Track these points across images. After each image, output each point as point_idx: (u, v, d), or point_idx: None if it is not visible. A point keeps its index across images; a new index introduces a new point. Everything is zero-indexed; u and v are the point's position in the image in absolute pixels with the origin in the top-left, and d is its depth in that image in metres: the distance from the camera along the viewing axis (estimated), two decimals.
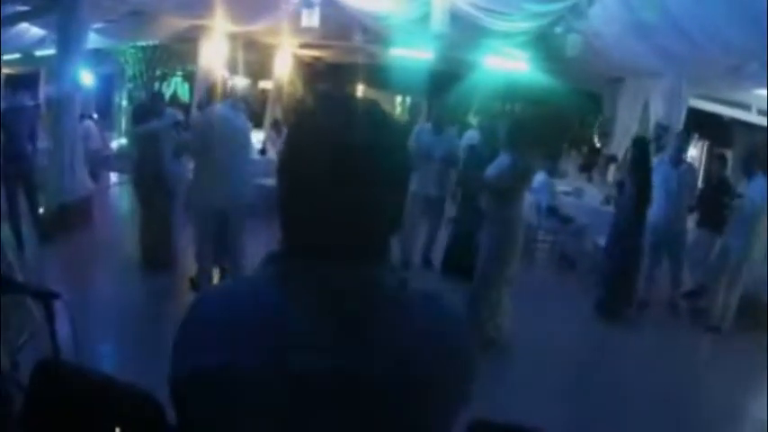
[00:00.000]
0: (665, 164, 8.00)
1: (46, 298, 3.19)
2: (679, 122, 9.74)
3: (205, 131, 6.50)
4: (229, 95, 6.99)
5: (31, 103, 9.47)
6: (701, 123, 13.09)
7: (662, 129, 9.64)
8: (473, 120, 14.19)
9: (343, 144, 1.06)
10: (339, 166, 1.05)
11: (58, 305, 3.22)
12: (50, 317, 3.18)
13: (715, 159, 7.88)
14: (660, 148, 9.23)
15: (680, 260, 8.13)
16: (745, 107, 11.55)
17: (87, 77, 10.10)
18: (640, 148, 7.76)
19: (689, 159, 9.77)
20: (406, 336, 1.10)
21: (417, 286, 1.18)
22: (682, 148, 8.16)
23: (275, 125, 14.25)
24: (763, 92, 9.58)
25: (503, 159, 6.16)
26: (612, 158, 11.74)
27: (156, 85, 16.69)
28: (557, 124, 17.72)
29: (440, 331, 1.15)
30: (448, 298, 1.23)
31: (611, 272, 7.82)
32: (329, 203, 1.06)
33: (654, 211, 7.80)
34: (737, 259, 7.61)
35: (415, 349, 1.10)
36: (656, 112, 10.36)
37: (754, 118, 11.55)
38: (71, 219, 8.99)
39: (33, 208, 8.53)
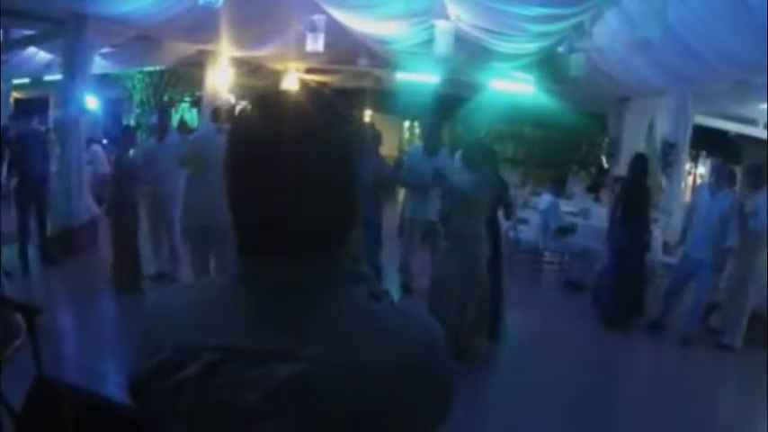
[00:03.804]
0: (705, 191, 7.98)
1: (28, 313, 3.17)
2: (685, 140, 9.70)
3: (190, 152, 6.98)
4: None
5: (42, 127, 9.62)
6: (708, 140, 13.03)
7: (669, 146, 9.61)
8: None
9: (268, 141, 1.03)
10: (267, 161, 1.02)
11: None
12: (32, 331, 3.15)
13: (724, 176, 7.73)
14: (667, 166, 9.19)
15: (703, 289, 7.81)
16: (751, 122, 11.48)
17: (93, 102, 10.14)
18: (637, 164, 8.02)
19: (698, 177, 9.72)
20: (365, 348, 1.02)
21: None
22: (718, 176, 7.92)
23: None
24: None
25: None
26: (620, 179, 11.74)
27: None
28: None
29: (408, 348, 1.05)
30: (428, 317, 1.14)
31: (612, 284, 7.99)
32: (262, 201, 1.04)
33: (690, 238, 7.88)
34: (742, 274, 7.60)
35: (373, 363, 1.01)
36: (663, 129, 10.33)
37: (761, 133, 11.48)
38: (76, 242, 9.02)
39: (42, 231, 8.60)
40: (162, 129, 8.29)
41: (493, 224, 6.79)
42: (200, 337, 1.05)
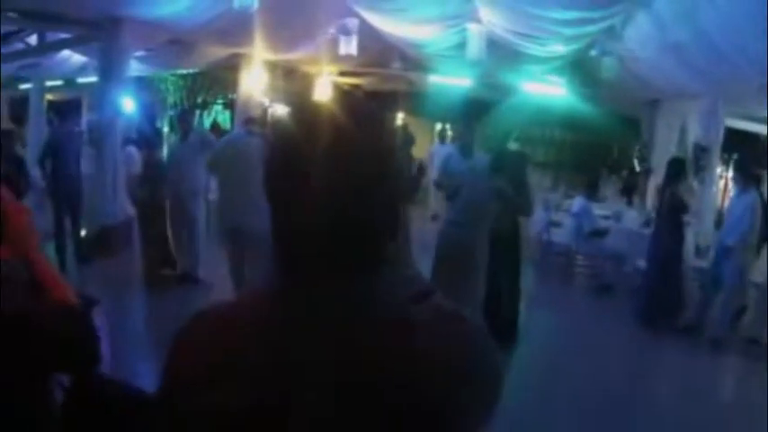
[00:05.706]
0: (734, 191, 7.98)
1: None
2: (717, 143, 9.63)
3: (220, 155, 6.98)
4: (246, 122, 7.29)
5: (77, 128, 9.84)
6: (740, 143, 12.85)
7: (700, 150, 9.55)
8: (513, 146, 14.10)
9: (308, 154, 1.00)
10: (308, 174, 0.99)
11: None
12: None
13: (747, 176, 7.68)
14: (699, 170, 9.13)
15: (732, 291, 7.75)
16: None
17: (129, 104, 10.29)
18: (674, 168, 8.02)
19: (730, 181, 9.66)
20: (404, 356, 1.01)
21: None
22: (742, 175, 7.85)
23: None
24: None
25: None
26: (649, 171, 11.67)
27: (197, 113, 16.95)
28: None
29: (448, 351, 1.04)
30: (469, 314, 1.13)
31: (649, 286, 8.02)
32: (304, 214, 1.01)
33: (718, 239, 7.92)
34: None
35: (414, 370, 1.00)
36: (694, 133, 10.27)
37: None
38: (111, 242, 9.15)
39: (76, 229, 8.76)
40: (184, 129, 8.39)
41: (510, 223, 6.80)
42: (237, 368, 1.02)
